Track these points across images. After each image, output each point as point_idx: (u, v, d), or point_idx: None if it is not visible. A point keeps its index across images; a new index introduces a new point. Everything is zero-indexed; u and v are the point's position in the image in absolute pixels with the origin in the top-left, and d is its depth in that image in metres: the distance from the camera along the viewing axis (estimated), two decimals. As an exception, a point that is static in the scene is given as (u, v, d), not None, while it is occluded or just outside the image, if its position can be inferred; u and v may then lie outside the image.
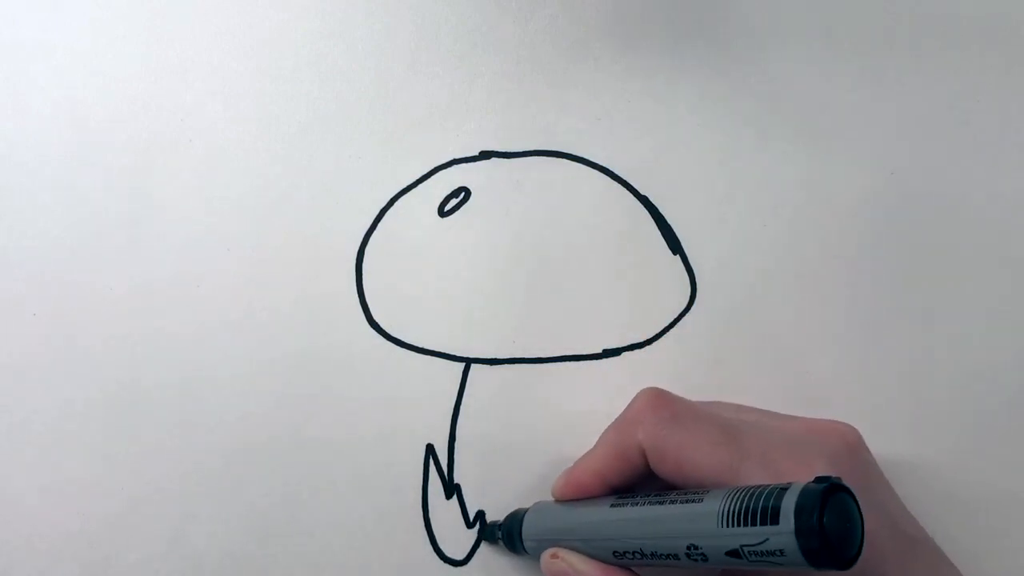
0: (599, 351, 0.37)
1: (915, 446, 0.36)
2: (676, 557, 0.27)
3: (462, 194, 0.38)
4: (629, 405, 0.32)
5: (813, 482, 0.24)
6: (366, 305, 0.37)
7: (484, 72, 0.40)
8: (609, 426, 0.32)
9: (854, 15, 0.40)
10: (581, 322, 0.37)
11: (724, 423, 0.30)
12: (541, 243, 0.38)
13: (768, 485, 0.25)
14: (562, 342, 0.37)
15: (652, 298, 0.37)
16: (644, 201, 0.38)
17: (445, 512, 0.35)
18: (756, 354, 0.37)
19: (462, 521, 0.35)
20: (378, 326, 0.37)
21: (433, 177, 0.39)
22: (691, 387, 0.35)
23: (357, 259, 0.38)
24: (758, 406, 0.34)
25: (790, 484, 0.24)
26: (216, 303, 0.37)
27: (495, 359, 0.37)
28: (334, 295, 0.37)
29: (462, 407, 0.36)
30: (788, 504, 0.23)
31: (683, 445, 0.29)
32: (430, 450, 0.36)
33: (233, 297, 0.37)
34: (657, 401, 0.31)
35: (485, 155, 0.39)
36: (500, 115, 0.39)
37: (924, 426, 0.36)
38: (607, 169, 0.39)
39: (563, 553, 0.31)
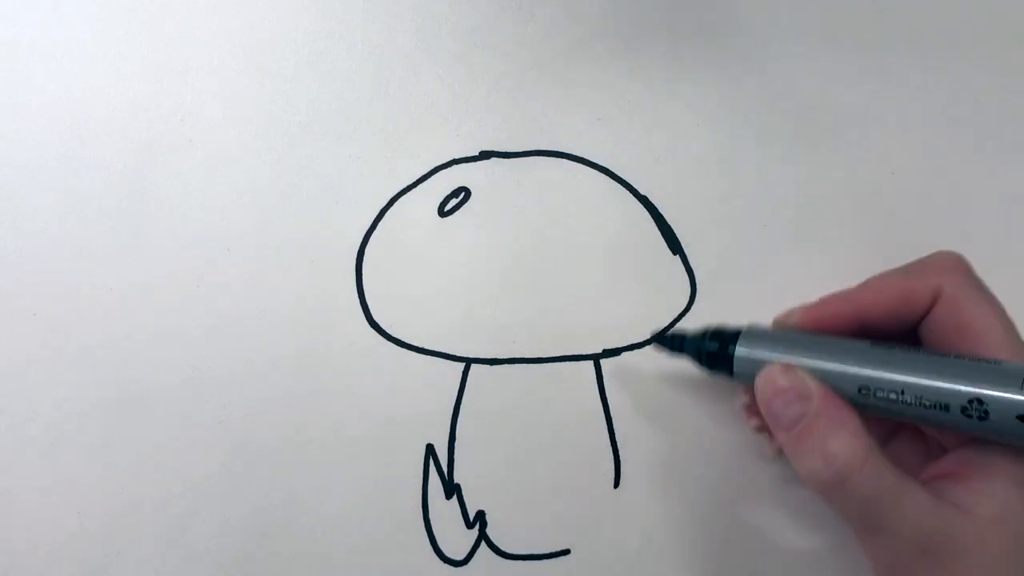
0: (599, 351, 0.37)
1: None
2: (944, 408, 0.26)
3: (462, 194, 0.38)
4: (928, 256, 0.30)
5: None
6: (366, 305, 0.37)
7: (484, 72, 0.40)
8: (886, 271, 0.31)
9: (854, 15, 0.40)
10: (581, 322, 0.37)
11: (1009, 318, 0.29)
12: (541, 243, 0.38)
13: None
14: (562, 342, 0.37)
15: (652, 298, 0.37)
16: (644, 201, 0.38)
17: (445, 512, 0.35)
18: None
19: (462, 521, 0.35)
20: (378, 326, 0.37)
21: (433, 177, 0.39)
22: (691, 387, 0.35)
23: (357, 259, 0.38)
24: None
25: None
26: (216, 303, 0.37)
27: (495, 359, 0.37)
28: (334, 295, 0.37)
29: (462, 407, 0.36)
30: None
31: (983, 309, 0.28)
32: (430, 450, 0.36)
33: (233, 297, 0.37)
34: (963, 261, 0.30)
35: (485, 155, 0.39)
36: (500, 115, 0.39)
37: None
38: (607, 169, 0.39)
39: (799, 370, 0.28)
